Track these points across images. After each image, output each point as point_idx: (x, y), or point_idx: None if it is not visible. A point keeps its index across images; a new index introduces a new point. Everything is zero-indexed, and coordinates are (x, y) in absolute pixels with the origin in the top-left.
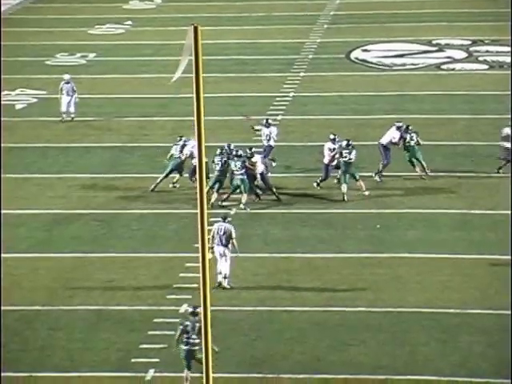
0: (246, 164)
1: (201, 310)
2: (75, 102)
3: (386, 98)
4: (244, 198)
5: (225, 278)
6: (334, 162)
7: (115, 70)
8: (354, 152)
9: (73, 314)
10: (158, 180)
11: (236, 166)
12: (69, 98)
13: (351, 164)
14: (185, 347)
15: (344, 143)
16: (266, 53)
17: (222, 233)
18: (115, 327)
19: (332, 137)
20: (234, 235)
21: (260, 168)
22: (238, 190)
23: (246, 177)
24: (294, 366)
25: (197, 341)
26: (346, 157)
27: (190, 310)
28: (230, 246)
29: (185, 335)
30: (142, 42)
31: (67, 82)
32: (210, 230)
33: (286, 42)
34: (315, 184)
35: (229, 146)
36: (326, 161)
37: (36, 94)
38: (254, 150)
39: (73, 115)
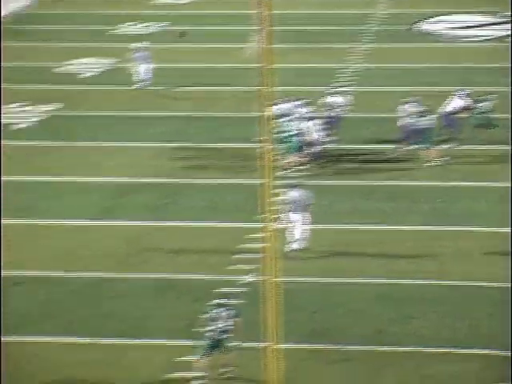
0: (300, 127)
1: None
2: (148, 71)
3: (452, 70)
4: (296, 159)
5: (296, 241)
6: (411, 125)
7: (181, 40)
8: (427, 118)
9: (137, 282)
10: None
11: (294, 127)
12: (143, 65)
13: (427, 130)
14: (214, 335)
15: (419, 109)
16: (332, 24)
17: (294, 200)
18: (179, 296)
19: (408, 100)
20: (308, 201)
21: (314, 136)
22: (291, 152)
23: (298, 139)
24: (356, 338)
25: (229, 328)
26: (421, 124)
27: (219, 301)
28: (303, 213)
29: (217, 323)
30: (208, 12)
31: (140, 50)
32: (276, 200)
33: (352, 13)
34: (392, 151)
35: (296, 105)
36: (400, 123)
37: (103, 63)
38: (312, 115)
39: (144, 83)
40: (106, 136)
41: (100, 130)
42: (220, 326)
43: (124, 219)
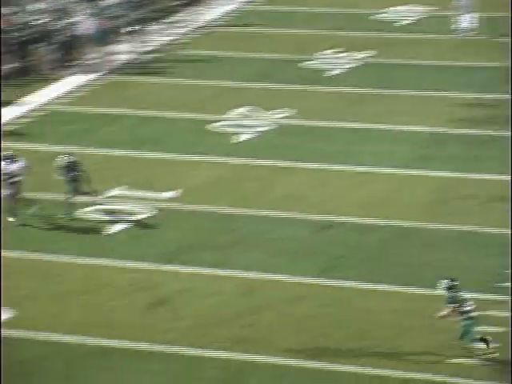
0: None
1: None
2: (471, 20)
3: None
4: None
5: None
6: None
7: None
8: None
9: (443, 233)
10: None
11: None
12: (466, 14)
13: None
14: (465, 322)
15: None
16: None
17: None
18: (481, 249)
19: None
20: None
21: None
22: None
23: None
24: None
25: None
26: None
27: (447, 283)
28: None
29: (464, 312)
30: None
31: None
32: None
33: None
34: None
35: None
36: None
37: (421, 11)
38: None
39: (466, 33)
40: (416, 85)
41: (411, 78)
42: (469, 308)
43: (434, 169)
